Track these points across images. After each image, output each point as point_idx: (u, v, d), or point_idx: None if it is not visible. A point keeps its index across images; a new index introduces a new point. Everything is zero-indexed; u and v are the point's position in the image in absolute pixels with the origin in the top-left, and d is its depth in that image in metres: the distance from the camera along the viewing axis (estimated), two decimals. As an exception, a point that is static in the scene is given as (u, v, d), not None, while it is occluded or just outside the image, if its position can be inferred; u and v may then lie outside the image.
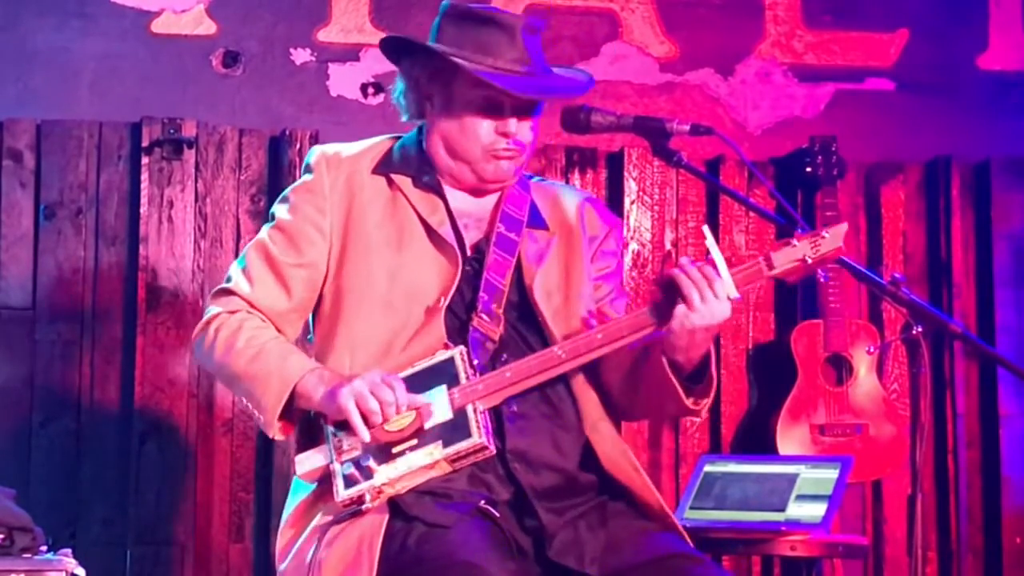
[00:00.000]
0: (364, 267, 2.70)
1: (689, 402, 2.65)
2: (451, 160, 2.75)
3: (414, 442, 2.56)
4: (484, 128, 2.70)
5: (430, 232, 2.72)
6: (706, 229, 2.63)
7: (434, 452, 2.55)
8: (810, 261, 2.60)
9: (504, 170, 2.75)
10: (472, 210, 2.79)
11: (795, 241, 2.60)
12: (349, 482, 2.56)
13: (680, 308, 2.55)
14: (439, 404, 2.57)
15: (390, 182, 2.77)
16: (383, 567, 2.48)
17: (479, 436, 2.53)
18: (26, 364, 4.35)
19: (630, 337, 2.61)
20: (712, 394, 2.68)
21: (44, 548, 3.21)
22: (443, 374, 2.60)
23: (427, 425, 2.56)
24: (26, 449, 4.33)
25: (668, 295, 2.58)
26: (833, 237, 2.60)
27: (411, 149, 2.81)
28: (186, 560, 4.32)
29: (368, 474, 2.55)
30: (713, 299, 2.55)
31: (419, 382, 2.60)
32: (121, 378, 4.39)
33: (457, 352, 2.61)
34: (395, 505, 2.56)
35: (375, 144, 2.84)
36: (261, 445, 4.39)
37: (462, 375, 2.59)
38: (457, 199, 2.79)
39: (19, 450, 4.32)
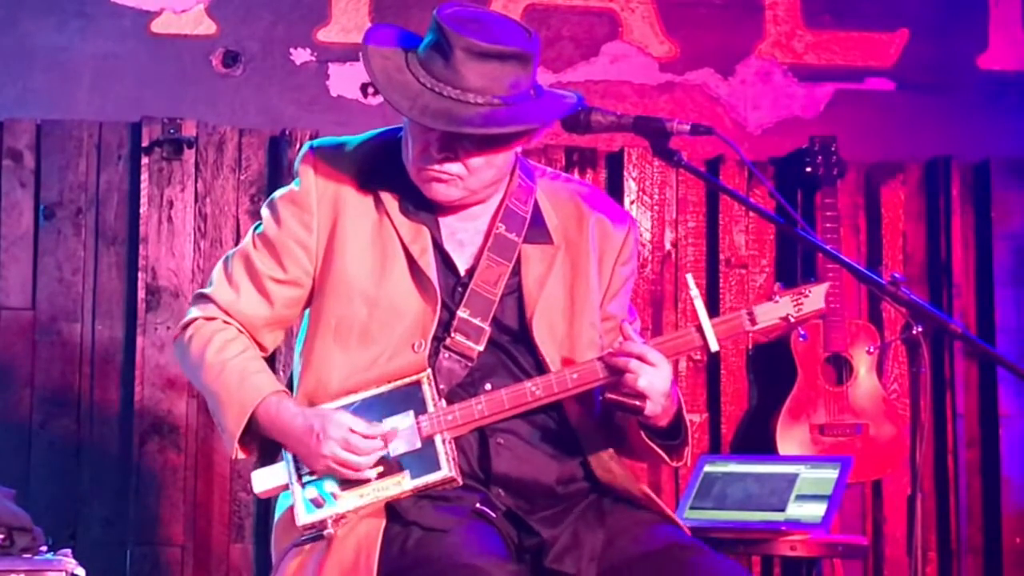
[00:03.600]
0: (343, 294, 2.62)
1: (673, 461, 2.68)
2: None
3: (380, 469, 2.53)
4: (413, 147, 2.59)
5: (412, 261, 2.62)
6: (690, 279, 2.59)
7: (402, 482, 2.52)
8: (792, 320, 2.59)
9: (441, 193, 2.60)
10: (469, 223, 2.69)
11: (777, 297, 2.59)
12: (312, 506, 2.53)
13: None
14: (406, 432, 2.53)
15: (378, 201, 2.66)
16: (383, 571, 2.46)
17: (449, 470, 2.51)
18: (26, 364, 4.36)
19: (605, 380, 2.57)
20: (690, 442, 2.69)
21: (44, 548, 3.22)
22: (410, 399, 2.55)
23: (393, 452, 2.53)
24: (26, 449, 4.33)
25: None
26: (815, 297, 2.59)
27: (403, 156, 2.68)
28: (186, 560, 4.33)
29: (331, 500, 2.53)
30: (651, 373, 2.52)
31: (385, 405, 2.56)
32: (121, 378, 4.39)
33: (424, 376, 2.56)
34: (392, 509, 2.54)
35: (371, 146, 2.71)
36: (261, 445, 4.39)
37: (429, 402, 2.55)
38: (451, 215, 2.67)
39: (19, 450, 4.32)
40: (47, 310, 4.37)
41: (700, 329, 2.57)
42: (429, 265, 2.61)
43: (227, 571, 4.39)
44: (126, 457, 4.34)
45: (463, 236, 2.68)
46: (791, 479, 3.82)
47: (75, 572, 3.13)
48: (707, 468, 3.95)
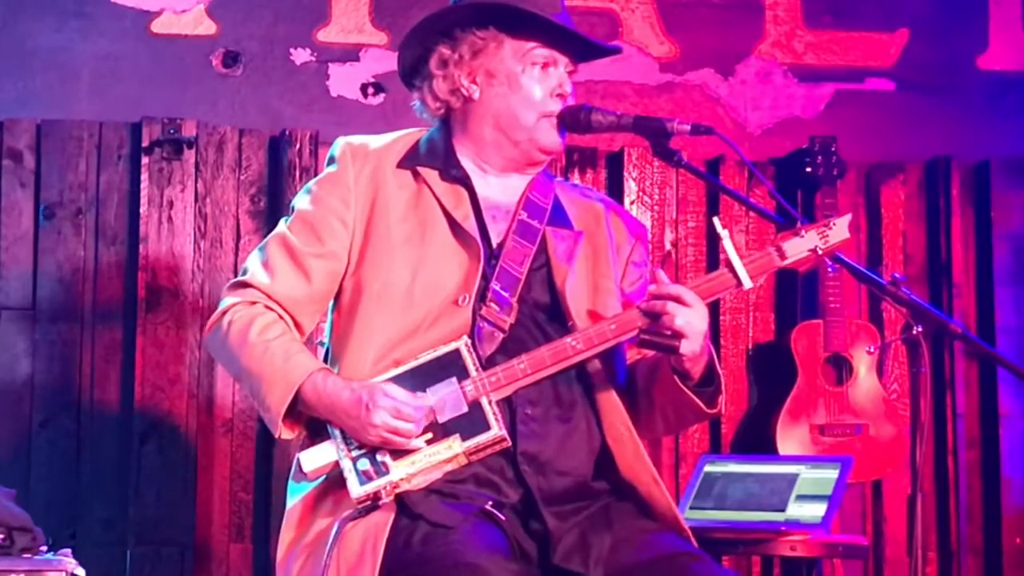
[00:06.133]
0: (385, 261, 2.67)
1: (709, 409, 2.67)
2: (503, 137, 2.73)
3: (429, 436, 2.56)
4: (537, 90, 2.70)
5: (454, 226, 2.69)
6: (716, 221, 2.61)
7: (453, 446, 2.55)
8: (820, 251, 2.62)
9: (557, 141, 2.74)
10: (501, 201, 2.76)
11: (803, 232, 2.62)
12: (364, 479, 2.55)
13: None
14: (451, 398, 2.56)
15: (416, 175, 2.74)
16: (387, 563, 2.48)
17: (498, 428, 2.54)
18: (26, 364, 4.36)
19: (643, 326, 2.59)
20: (723, 391, 2.69)
21: (44, 548, 3.21)
22: (450, 366, 2.58)
23: (441, 420, 2.56)
24: (26, 449, 4.33)
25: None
26: (840, 227, 2.62)
27: (438, 142, 2.78)
28: (186, 560, 4.32)
29: (383, 470, 2.55)
30: (688, 312, 2.55)
31: (426, 374, 2.58)
32: (121, 378, 4.38)
33: (462, 343, 2.59)
34: (400, 502, 2.56)
35: (402, 137, 2.81)
36: (261, 445, 4.39)
37: (471, 367, 2.58)
38: (487, 190, 2.76)
39: (19, 450, 4.32)
40: (47, 310, 4.37)
41: (732, 269, 2.58)
42: (473, 228, 2.68)
43: (227, 571, 4.39)
44: (126, 457, 4.34)
45: (495, 213, 2.75)
46: (791, 479, 3.82)
47: (75, 572, 3.12)
48: (707, 468, 3.94)
